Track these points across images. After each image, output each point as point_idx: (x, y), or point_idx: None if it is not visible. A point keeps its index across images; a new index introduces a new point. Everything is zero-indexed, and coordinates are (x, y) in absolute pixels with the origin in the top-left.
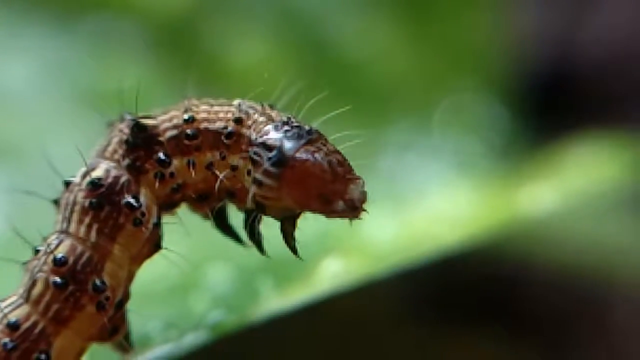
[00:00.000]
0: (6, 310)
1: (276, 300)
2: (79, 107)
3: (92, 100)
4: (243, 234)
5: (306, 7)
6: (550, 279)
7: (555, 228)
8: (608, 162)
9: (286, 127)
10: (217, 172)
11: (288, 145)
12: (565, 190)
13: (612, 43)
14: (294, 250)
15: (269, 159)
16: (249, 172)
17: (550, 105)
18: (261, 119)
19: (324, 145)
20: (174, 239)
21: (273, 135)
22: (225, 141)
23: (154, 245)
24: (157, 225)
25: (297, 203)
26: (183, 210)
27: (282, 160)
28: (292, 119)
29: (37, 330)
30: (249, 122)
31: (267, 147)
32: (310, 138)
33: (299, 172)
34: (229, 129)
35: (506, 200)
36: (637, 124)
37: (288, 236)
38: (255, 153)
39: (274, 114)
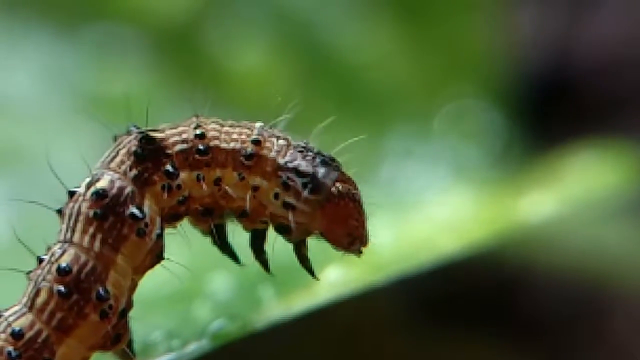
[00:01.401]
0: (10, 319)
1: (277, 309)
2: (82, 114)
3: (95, 108)
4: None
5: (306, 12)
6: (551, 284)
7: (556, 234)
8: (608, 167)
9: (311, 154)
10: (229, 189)
11: (321, 173)
12: (565, 196)
13: (611, 47)
14: (311, 272)
15: (305, 185)
16: (276, 196)
17: (550, 110)
18: (280, 142)
19: (347, 177)
20: (177, 248)
21: (303, 162)
22: (245, 162)
23: (157, 255)
24: (160, 236)
25: (326, 233)
26: (184, 221)
27: (318, 188)
28: (308, 143)
29: (40, 339)
30: (267, 144)
31: (300, 173)
32: (338, 168)
33: (341, 210)
34: (249, 150)
35: (506, 206)
36: (637, 128)
37: (305, 259)
38: (288, 178)
39: (289, 137)
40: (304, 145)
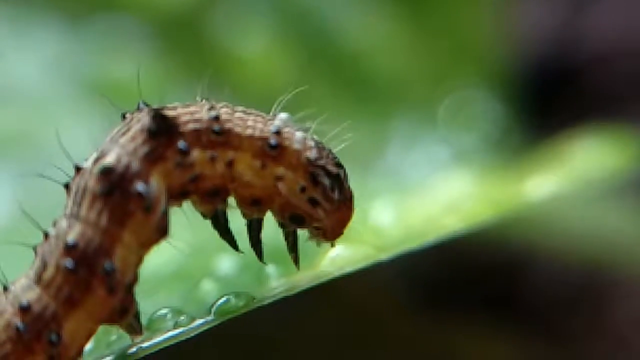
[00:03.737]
0: (18, 293)
1: (282, 286)
2: (89, 101)
3: (102, 95)
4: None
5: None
6: (551, 268)
7: (556, 218)
8: (607, 152)
9: (329, 153)
10: (247, 176)
11: (343, 175)
12: (565, 177)
13: (611, 37)
14: (296, 261)
15: (332, 185)
16: (302, 189)
17: (551, 99)
18: (299, 134)
19: None
20: (184, 226)
21: (329, 161)
22: (269, 152)
23: (163, 232)
24: (166, 213)
25: (325, 229)
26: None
27: (343, 190)
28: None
29: (48, 313)
30: (287, 135)
31: (328, 172)
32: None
33: (348, 212)
34: (273, 140)
35: (508, 188)
36: (635, 116)
37: (295, 247)
38: (318, 174)
39: (304, 129)
40: (320, 141)
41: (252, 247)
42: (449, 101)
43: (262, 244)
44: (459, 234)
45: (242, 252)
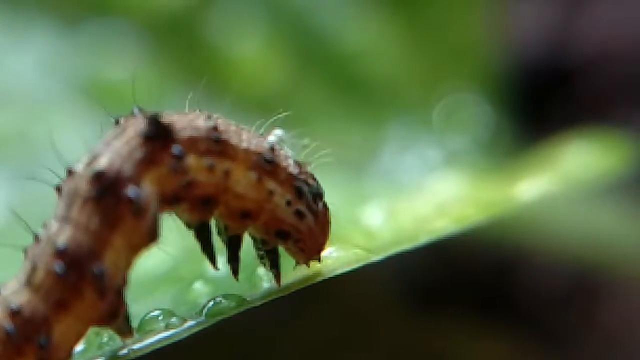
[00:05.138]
0: (7, 296)
1: (274, 286)
2: (83, 104)
3: (96, 98)
4: None
5: (304, 1)
6: (545, 268)
7: (550, 219)
8: (600, 154)
9: (305, 169)
10: (241, 188)
11: (321, 188)
12: (558, 181)
13: (605, 40)
14: (278, 277)
15: (314, 196)
16: (288, 203)
17: (546, 102)
18: (284, 151)
19: None
20: (175, 229)
21: (309, 174)
22: (265, 166)
23: (153, 236)
24: (157, 217)
25: (312, 239)
26: None
27: (322, 201)
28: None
29: (38, 316)
30: (277, 152)
31: (309, 185)
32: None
33: (326, 223)
34: (269, 155)
35: (501, 192)
36: (631, 119)
37: (276, 264)
38: (302, 187)
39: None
40: (298, 160)
41: (228, 262)
42: (443, 104)
43: (239, 261)
44: (451, 236)
45: (218, 269)
